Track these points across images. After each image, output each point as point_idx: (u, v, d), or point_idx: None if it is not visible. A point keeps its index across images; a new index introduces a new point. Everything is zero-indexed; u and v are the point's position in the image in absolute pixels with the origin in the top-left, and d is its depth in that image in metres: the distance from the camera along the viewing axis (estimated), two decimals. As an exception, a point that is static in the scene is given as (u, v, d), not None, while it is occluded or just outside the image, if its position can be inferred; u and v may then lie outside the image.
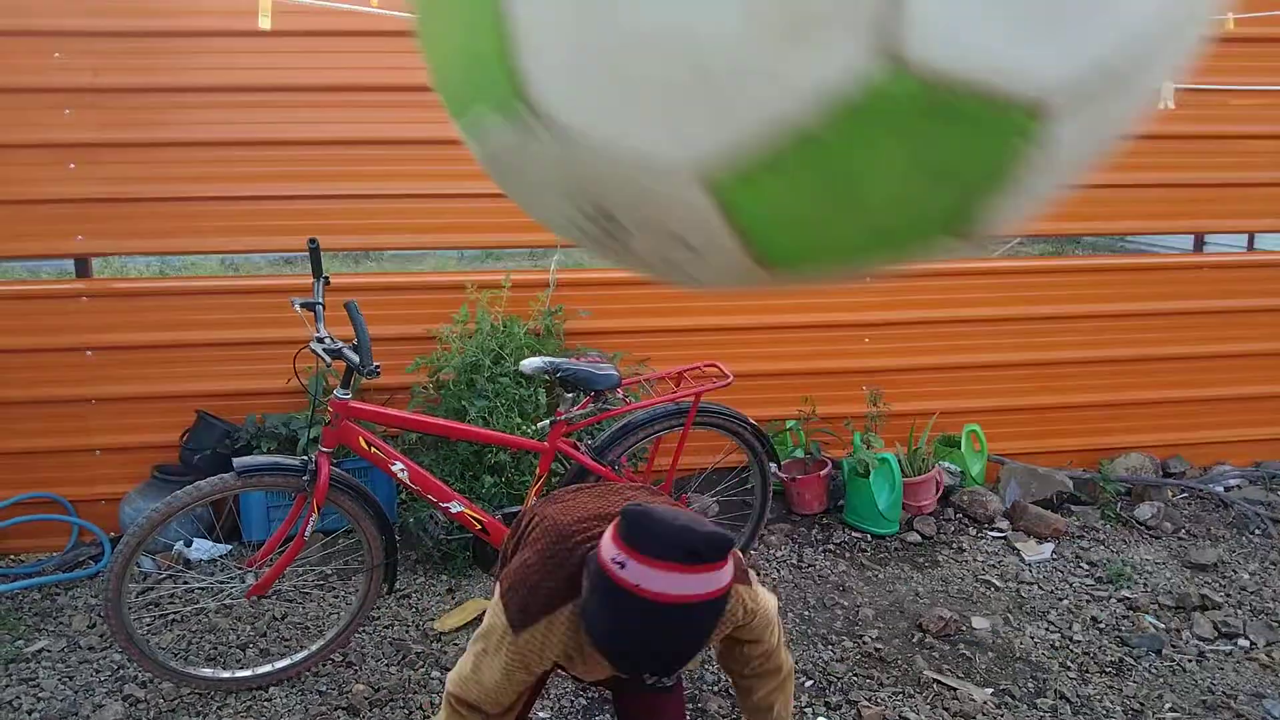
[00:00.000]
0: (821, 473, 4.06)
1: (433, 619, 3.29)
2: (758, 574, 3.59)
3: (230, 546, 3.69)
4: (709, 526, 1.61)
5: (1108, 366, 4.43)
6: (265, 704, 2.81)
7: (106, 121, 3.65)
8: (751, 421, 3.37)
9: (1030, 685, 2.93)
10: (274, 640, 3.16)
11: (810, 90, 0.43)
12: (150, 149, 3.69)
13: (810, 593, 3.49)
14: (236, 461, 2.72)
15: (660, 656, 1.60)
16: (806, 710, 2.79)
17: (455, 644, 3.14)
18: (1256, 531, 4.00)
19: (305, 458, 2.80)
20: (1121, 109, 0.53)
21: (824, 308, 4.20)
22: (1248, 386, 4.54)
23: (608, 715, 2.75)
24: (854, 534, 3.94)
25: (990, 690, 2.90)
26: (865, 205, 0.48)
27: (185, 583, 3.44)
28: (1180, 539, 3.95)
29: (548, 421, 3.03)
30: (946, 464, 4.23)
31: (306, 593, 3.45)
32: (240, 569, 3.00)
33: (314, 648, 2.97)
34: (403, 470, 2.87)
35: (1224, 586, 3.56)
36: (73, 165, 3.66)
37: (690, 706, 2.82)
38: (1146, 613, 3.35)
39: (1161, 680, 2.96)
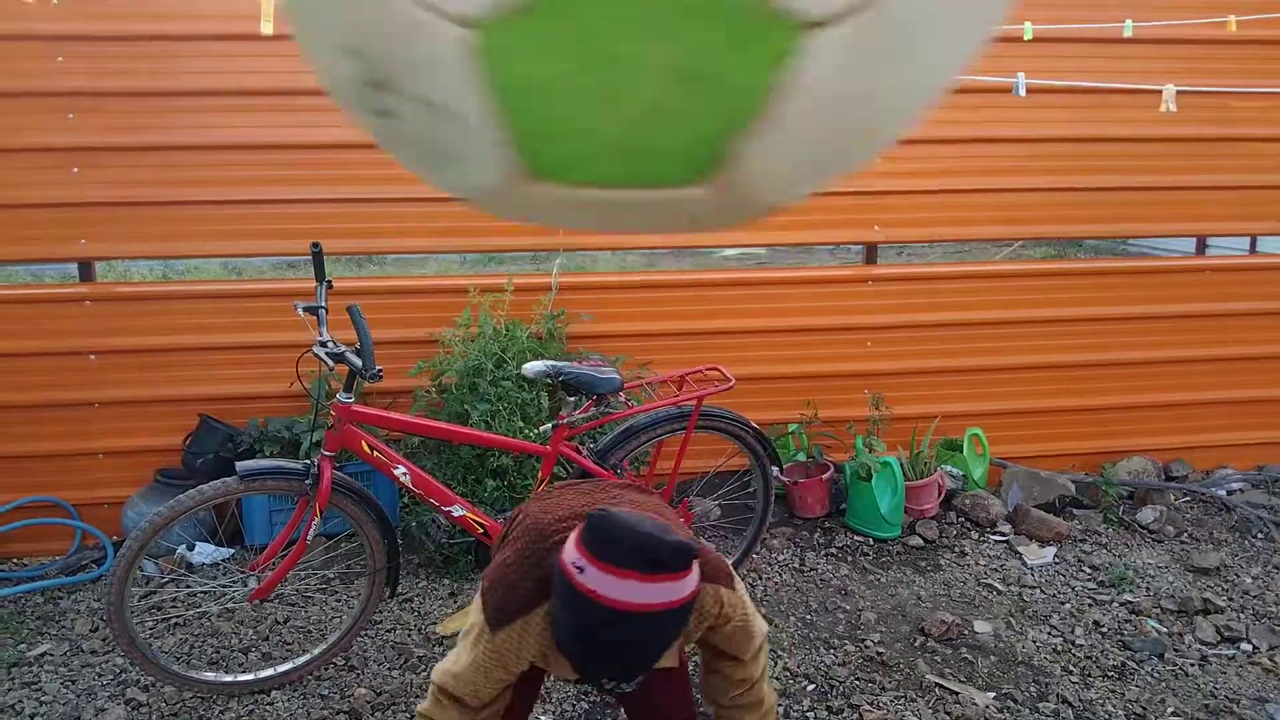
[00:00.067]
0: (823, 476, 4.06)
1: (435, 623, 3.29)
2: (759, 577, 3.59)
3: (232, 550, 3.69)
4: (674, 534, 1.58)
5: (1110, 370, 4.43)
6: (267, 708, 2.81)
7: (109, 125, 3.66)
8: (754, 425, 3.37)
9: (1032, 689, 2.93)
10: (276, 644, 3.16)
11: None
12: (153, 153, 3.70)
13: (812, 596, 3.49)
14: (239, 465, 2.72)
15: (618, 662, 1.59)
16: (809, 714, 2.79)
17: (457, 648, 3.14)
18: (1259, 535, 3.99)
19: (308, 462, 2.80)
20: (893, 46, 0.49)
21: (826, 311, 4.21)
22: (1250, 390, 4.54)
23: (609, 719, 2.75)
24: (856, 538, 3.94)
25: (992, 694, 2.90)
26: (621, 102, 0.46)
27: (188, 586, 3.44)
28: (1182, 543, 3.95)
29: (550, 425, 3.04)
30: (948, 468, 4.23)
31: (309, 597, 3.45)
32: (243, 573, 3.00)
33: (316, 651, 2.97)
34: (405, 474, 2.87)
35: (1226, 590, 3.55)
36: (75, 169, 3.67)
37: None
38: (1149, 617, 3.35)
39: (1164, 684, 2.96)
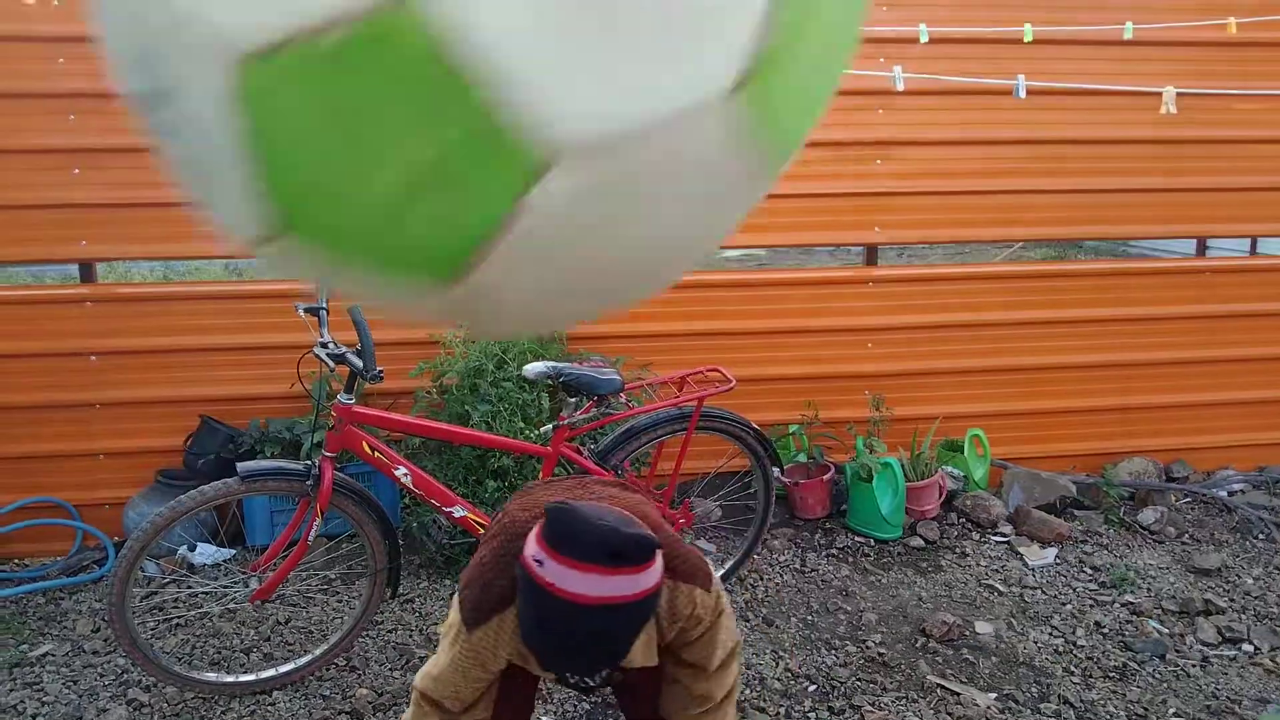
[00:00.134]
0: (824, 477, 4.06)
1: (436, 623, 3.29)
2: (760, 578, 3.59)
3: (234, 551, 3.69)
4: (635, 528, 1.57)
5: (1111, 371, 4.43)
6: (269, 708, 2.81)
7: (110, 127, 3.66)
8: (754, 426, 3.37)
9: (1034, 690, 2.93)
10: (277, 645, 3.16)
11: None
12: (154, 154, 3.69)
13: (813, 597, 3.49)
14: (240, 466, 2.72)
15: (581, 657, 1.58)
16: (810, 715, 2.79)
17: (458, 649, 3.13)
18: (1260, 536, 3.99)
19: (309, 462, 2.80)
20: (635, 199, 0.49)
21: (826, 313, 4.21)
22: (1251, 391, 4.54)
23: (612, 719, 2.75)
24: (857, 539, 3.94)
25: (994, 695, 2.90)
26: (369, 182, 0.45)
27: (189, 587, 3.44)
28: (1184, 544, 3.95)
29: (551, 426, 3.04)
30: (949, 469, 4.23)
31: (310, 597, 3.45)
32: (244, 573, 3.00)
33: (317, 652, 2.97)
34: (406, 475, 2.87)
35: (1228, 591, 3.55)
36: (76, 170, 3.67)
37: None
38: (1150, 618, 3.35)
39: (1165, 685, 2.96)
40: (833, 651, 3.13)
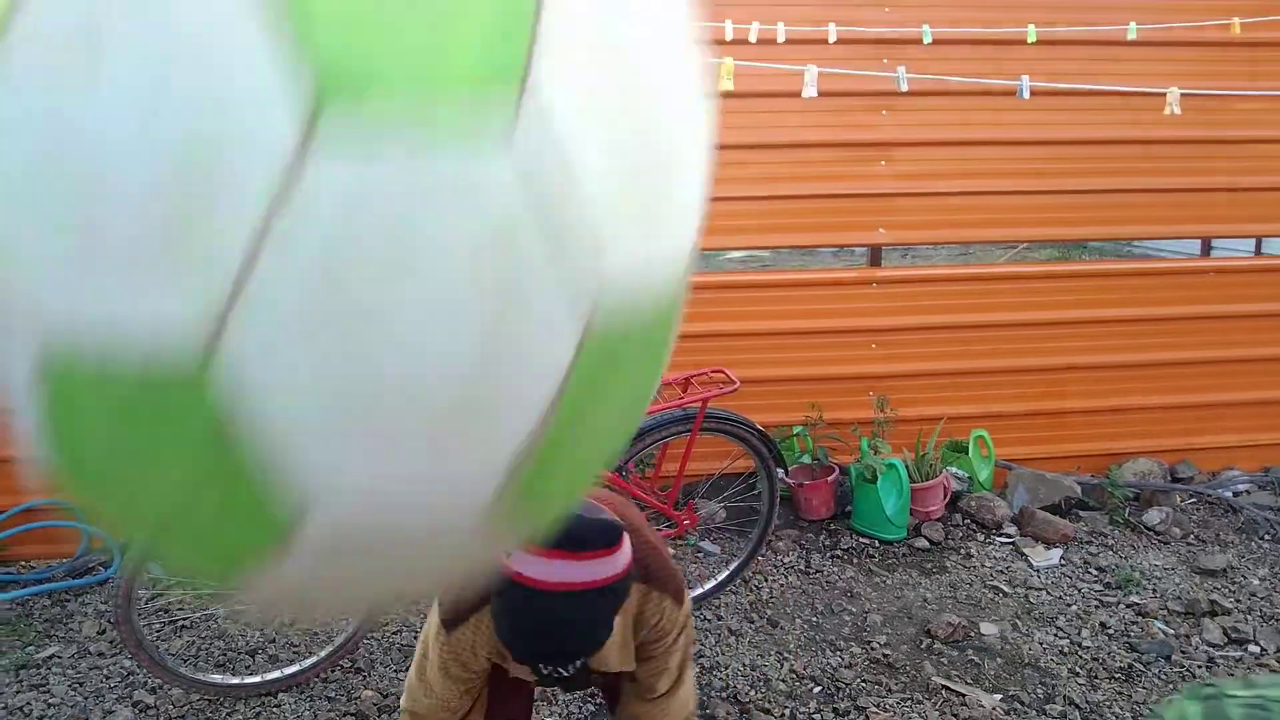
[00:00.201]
0: (829, 478, 4.06)
1: (441, 625, 3.29)
2: (765, 579, 3.60)
3: (239, 553, 3.70)
4: (598, 513, 1.57)
5: (1115, 371, 4.42)
6: (274, 710, 2.82)
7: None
8: (758, 427, 3.37)
9: (1039, 691, 2.93)
10: (283, 646, 3.16)
11: (146, 324, 0.40)
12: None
13: (818, 599, 3.49)
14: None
15: (547, 644, 1.56)
16: (815, 716, 2.79)
17: (463, 650, 3.14)
18: (1266, 537, 3.99)
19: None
20: (373, 557, 0.48)
21: (831, 314, 4.21)
22: (1256, 391, 4.53)
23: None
24: (861, 540, 3.94)
25: (999, 696, 2.89)
26: (146, 490, 0.45)
27: (195, 589, 3.45)
28: (1189, 544, 3.94)
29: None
30: (954, 469, 4.23)
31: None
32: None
33: (323, 654, 2.98)
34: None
35: (1234, 592, 3.54)
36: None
37: (700, 712, 2.82)
38: (1155, 618, 3.34)
39: (1171, 686, 2.95)
40: (838, 653, 3.13)
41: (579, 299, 0.39)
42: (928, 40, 3.81)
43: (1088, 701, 2.86)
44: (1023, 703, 2.86)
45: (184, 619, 3.31)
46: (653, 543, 1.84)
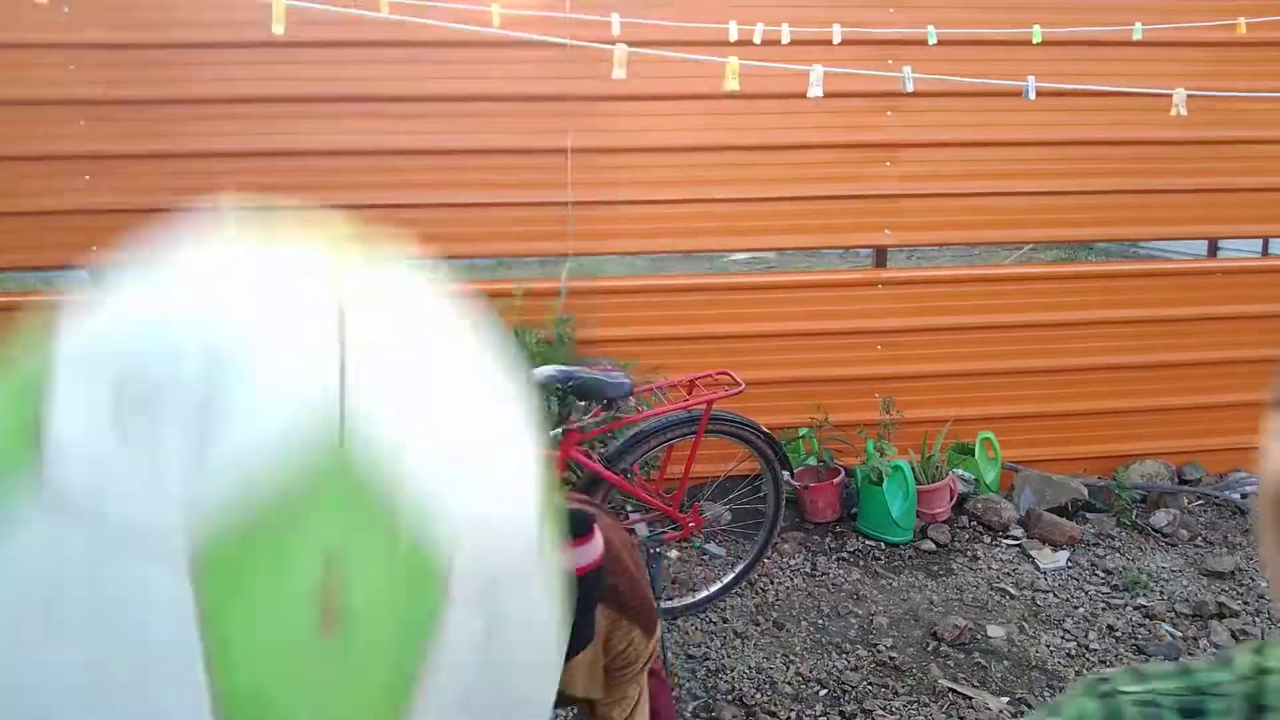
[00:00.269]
0: (835, 481, 4.05)
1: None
2: (771, 582, 3.59)
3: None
4: (573, 505, 1.58)
5: (1122, 373, 4.40)
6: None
7: (121, 133, 3.68)
8: (764, 429, 3.36)
9: (1046, 694, 2.91)
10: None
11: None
12: (164, 160, 3.72)
13: (824, 601, 3.48)
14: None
15: None
16: (821, 719, 2.78)
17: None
18: (1274, 539, 3.96)
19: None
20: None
21: (836, 315, 4.20)
22: (1263, 392, 4.50)
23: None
24: (868, 542, 3.92)
25: (1006, 699, 2.88)
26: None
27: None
28: (1196, 546, 3.92)
29: (560, 429, 3.03)
30: (960, 471, 4.21)
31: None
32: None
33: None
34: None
35: (1241, 594, 3.53)
36: (88, 176, 3.69)
37: (706, 715, 2.81)
38: (1163, 621, 3.33)
39: (1179, 689, 2.94)
40: (843, 655, 3.12)
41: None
42: (933, 41, 3.80)
43: (1095, 704, 2.85)
44: (1030, 705, 2.85)
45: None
46: (631, 571, 1.80)
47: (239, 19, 3.60)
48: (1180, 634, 3.25)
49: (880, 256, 4.31)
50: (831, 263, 8.52)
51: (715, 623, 3.32)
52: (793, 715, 2.79)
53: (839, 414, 4.19)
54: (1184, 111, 3.66)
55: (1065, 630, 3.27)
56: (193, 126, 3.72)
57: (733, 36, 3.59)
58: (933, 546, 3.88)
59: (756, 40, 3.58)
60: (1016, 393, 4.36)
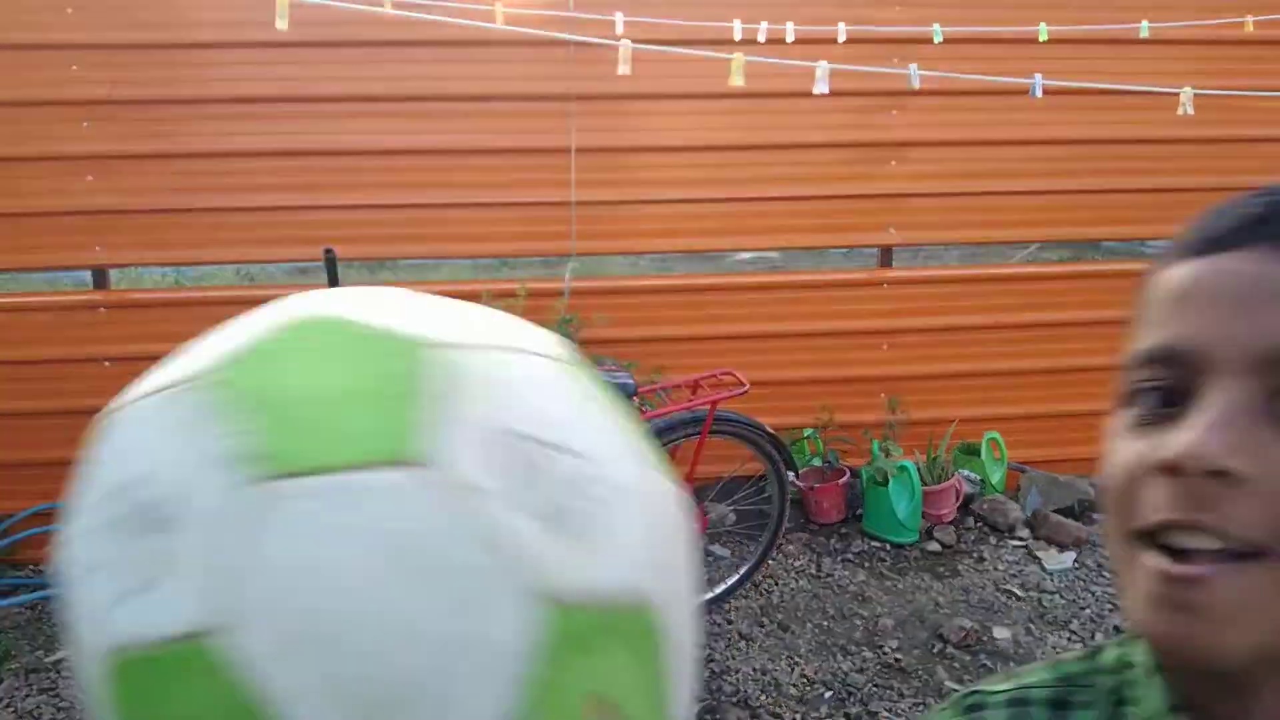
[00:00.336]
0: (840, 481, 4.04)
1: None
2: (775, 583, 3.58)
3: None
4: None
5: (1128, 373, 4.38)
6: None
7: (124, 133, 3.67)
8: (769, 430, 3.35)
9: (1053, 696, 2.90)
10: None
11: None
12: (167, 160, 3.71)
13: (829, 602, 3.46)
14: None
15: None
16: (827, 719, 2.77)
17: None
18: None
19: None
20: None
21: (841, 315, 4.18)
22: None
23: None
24: (873, 543, 3.91)
25: (1013, 701, 2.87)
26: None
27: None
28: (1204, 547, 3.90)
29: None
30: (966, 472, 4.20)
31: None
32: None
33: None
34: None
35: (1250, 596, 3.51)
36: (90, 177, 3.69)
37: (709, 717, 2.80)
38: (1171, 622, 3.31)
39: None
40: (849, 657, 3.11)
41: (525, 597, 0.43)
42: (938, 40, 3.78)
43: (1103, 707, 2.83)
44: (1037, 708, 2.83)
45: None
46: None
47: (242, 19, 3.59)
48: (1188, 636, 3.23)
49: (886, 256, 4.30)
50: (837, 262, 8.50)
51: (720, 624, 3.31)
52: (798, 717, 2.78)
53: (844, 414, 4.17)
54: (1191, 110, 3.64)
55: (1072, 631, 3.26)
56: (196, 126, 3.71)
57: (737, 35, 3.58)
58: (938, 547, 3.86)
59: (761, 38, 3.57)
60: (1023, 393, 4.34)
